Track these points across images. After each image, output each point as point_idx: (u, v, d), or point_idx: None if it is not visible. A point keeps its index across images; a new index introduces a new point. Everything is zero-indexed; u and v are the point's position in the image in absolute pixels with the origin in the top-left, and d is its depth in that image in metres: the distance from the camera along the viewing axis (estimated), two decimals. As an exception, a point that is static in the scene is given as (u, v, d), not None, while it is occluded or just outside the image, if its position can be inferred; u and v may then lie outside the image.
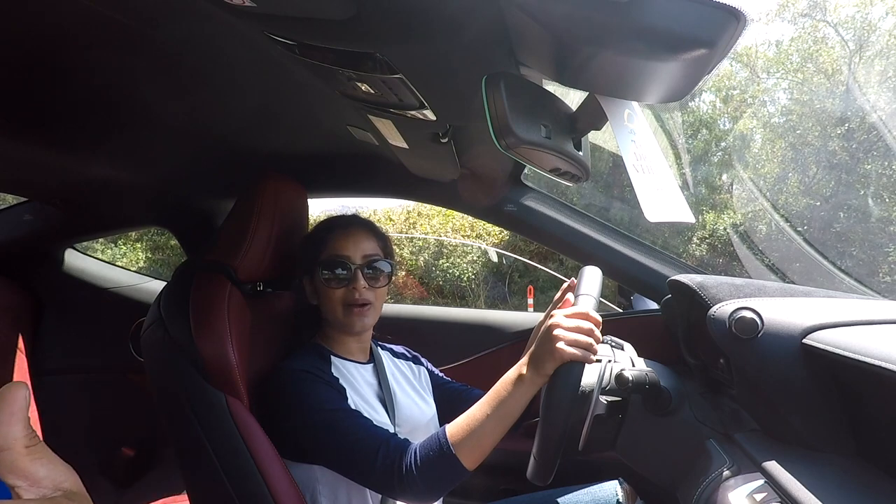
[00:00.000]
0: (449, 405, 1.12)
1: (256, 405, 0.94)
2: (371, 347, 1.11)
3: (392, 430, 0.99)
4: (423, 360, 1.22)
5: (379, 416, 0.99)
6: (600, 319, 0.80)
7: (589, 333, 0.78)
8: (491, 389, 0.85)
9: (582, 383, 0.82)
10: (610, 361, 0.91)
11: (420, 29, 0.56)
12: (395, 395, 1.05)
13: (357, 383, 1.01)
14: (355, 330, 1.02)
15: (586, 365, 0.79)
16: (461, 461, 0.82)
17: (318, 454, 0.91)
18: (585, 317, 0.79)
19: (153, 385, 0.91)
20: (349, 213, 1.11)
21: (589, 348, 0.77)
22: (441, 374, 1.22)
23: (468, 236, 9.07)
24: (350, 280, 1.00)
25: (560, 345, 0.76)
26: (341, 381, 0.98)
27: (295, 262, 1.12)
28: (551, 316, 0.81)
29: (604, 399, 0.84)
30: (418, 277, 8.80)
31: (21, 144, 1.07)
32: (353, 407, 0.94)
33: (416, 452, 0.84)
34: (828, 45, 8.63)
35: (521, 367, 0.82)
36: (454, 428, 0.84)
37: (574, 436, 0.85)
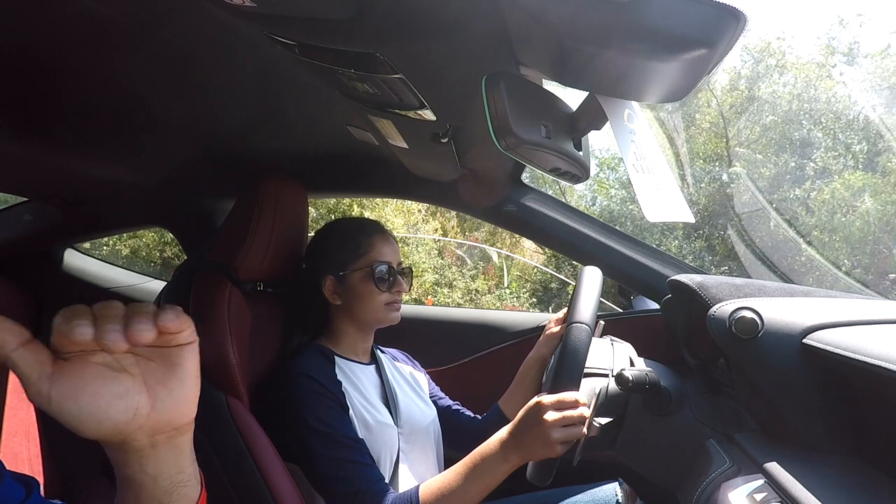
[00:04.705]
0: (440, 422, 1.14)
1: (257, 405, 0.94)
2: (372, 349, 1.12)
3: (395, 431, 1.00)
4: (421, 368, 1.24)
5: (382, 417, 0.99)
6: (587, 401, 0.82)
7: (578, 422, 0.79)
8: (469, 457, 0.85)
9: None
10: (606, 378, 0.91)
11: (420, 29, 0.56)
12: (396, 396, 1.06)
13: (361, 384, 1.02)
14: (389, 324, 1.08)
15: (581, 388, 0.83)
16: None
17: (304, 466, 0.92)
18: (574, 404, 0.80)
19: None
20: None
21: (577, 433, 0.80)
22: (437, 388, 1.23)
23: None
24: (394, 283, 1.06)
25: (551, 437, 0.78)
26: (345, 383, 0.99)
27: (300, 262, 1.12)
28: (540, 403, 0.81)
29: (597, 422, 0.85)
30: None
31: (21, 144, 1.07)
32: (351, 421, 0.94)
33: None
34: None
35: (504, 445, 0.83)
36: (427, 491, 0.85)
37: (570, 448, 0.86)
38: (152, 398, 0.41)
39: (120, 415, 0.39)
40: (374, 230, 1.09)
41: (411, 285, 1.12)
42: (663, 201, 0.54)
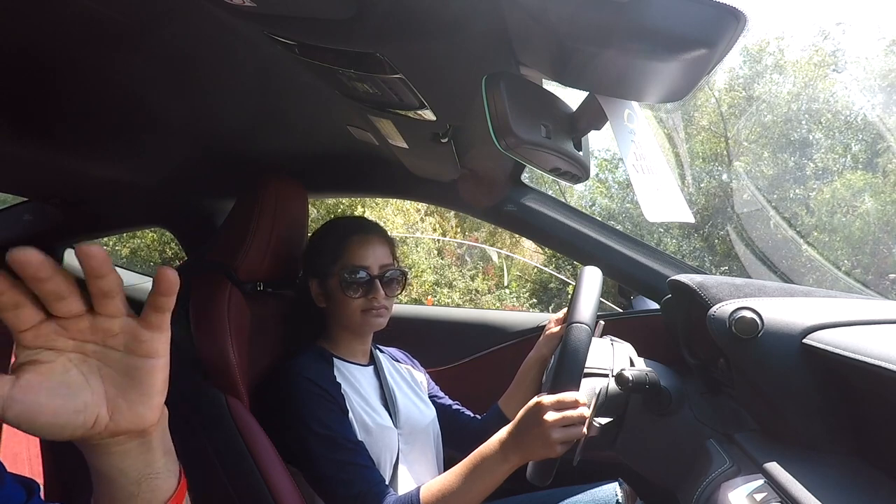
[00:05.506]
0: (440, 422, 1.13)
1: (256, 405, 0.94)
2: (371, 350, 1.12)
3: (395, 433, 0.99)
4: (421, 367, 1.23)
5: (381, 419, 0.99)
6: (587, 401, 0.82)
7: (578, 422, 0.79)
8: (470, 458, 0.85)
9: None
10: (606, 378, 0.91)
11: (420, 29, 0.56)
12: (395, 397, 1.06)
13: (360, 386, 1.02)
14: (371, 330, 1.04)
15: (581, 388, 0.83)
16: None
17: (303, 468, 0.92)
18: (574, 404, 0.80)
19: None
20: None
21: (577, 433, 0.79)
22: (436, 388, 1.23)
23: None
24: (369, 290, 1.01)
25: (551, 437, 0.78)
26: (344, 385, 0.98)
27: (299, 262, 1.12)
28: (540, 403, 0.80)
29: (597, 422, 0.85)
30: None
31: (21, 144, 1.07)
32: (351, 424, 0.94)
33: None
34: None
35: (504, 445, 0.82)
36: (428, 493, 0.84)
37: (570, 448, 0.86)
38: (111, 410, 0.40)
39: (77, 428, 0.39)
40: (352, 232, 1.03)
41: (402, 289, 1.07)
42: (663, 201, 0.54)
